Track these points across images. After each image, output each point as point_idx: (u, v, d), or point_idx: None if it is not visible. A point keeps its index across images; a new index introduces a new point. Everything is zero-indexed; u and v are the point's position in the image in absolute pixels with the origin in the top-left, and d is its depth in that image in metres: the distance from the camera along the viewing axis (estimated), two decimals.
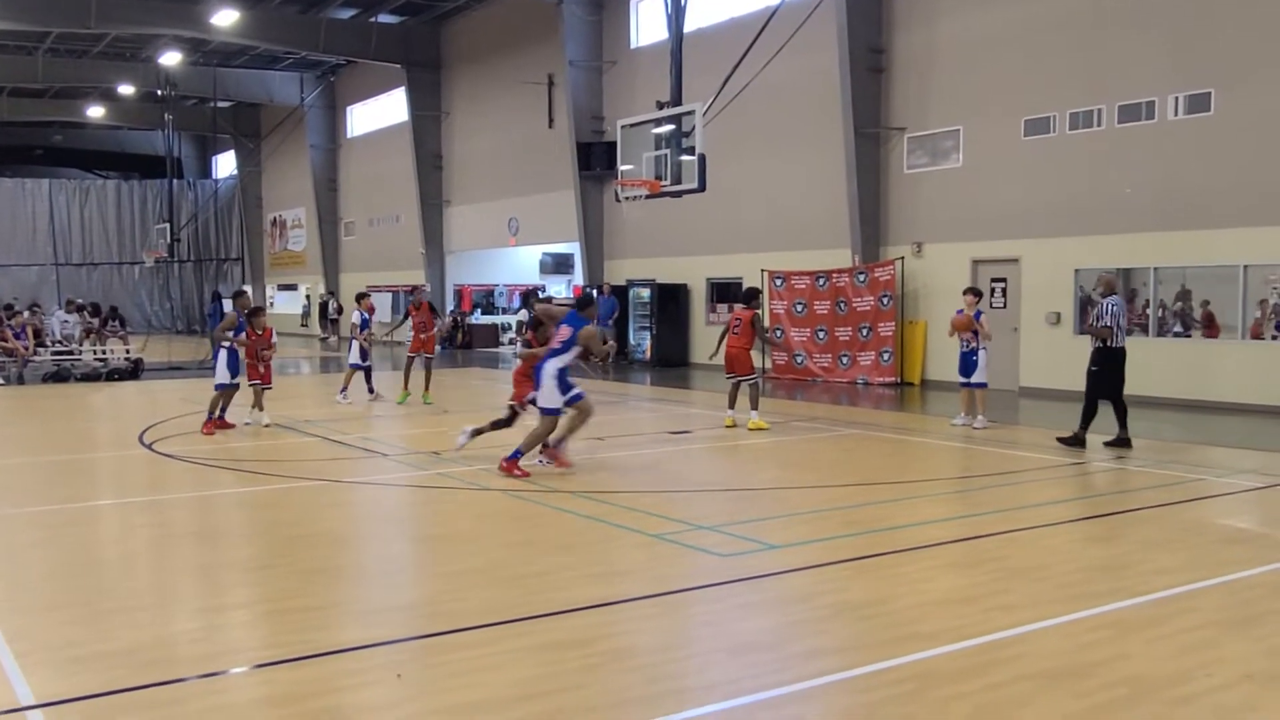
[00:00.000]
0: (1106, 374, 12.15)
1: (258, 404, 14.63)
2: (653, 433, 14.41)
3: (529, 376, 11.07)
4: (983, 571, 6.99)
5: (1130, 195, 17.04)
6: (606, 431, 14.37)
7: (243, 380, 14.33)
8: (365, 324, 17.35)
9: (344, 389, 17.29)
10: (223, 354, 14.21)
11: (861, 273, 20.95)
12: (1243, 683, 4.97)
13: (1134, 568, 7.19)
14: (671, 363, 25.62)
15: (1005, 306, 19.06)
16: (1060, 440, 12.32)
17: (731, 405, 14.43)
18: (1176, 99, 16.44)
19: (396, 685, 5.01)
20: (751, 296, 14.58)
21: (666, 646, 5.64)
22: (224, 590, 6.90)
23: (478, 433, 11.38)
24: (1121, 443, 12.05)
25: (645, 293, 26.30)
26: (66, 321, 25.71)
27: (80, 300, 30.77)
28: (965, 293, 14.26)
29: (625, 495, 9.80)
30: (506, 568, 7.21)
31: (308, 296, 45.93)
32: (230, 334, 14.20)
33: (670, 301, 25.87)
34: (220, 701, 4.83)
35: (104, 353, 24.45)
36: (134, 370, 23.41)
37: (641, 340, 26.61)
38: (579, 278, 30.48)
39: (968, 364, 13.91)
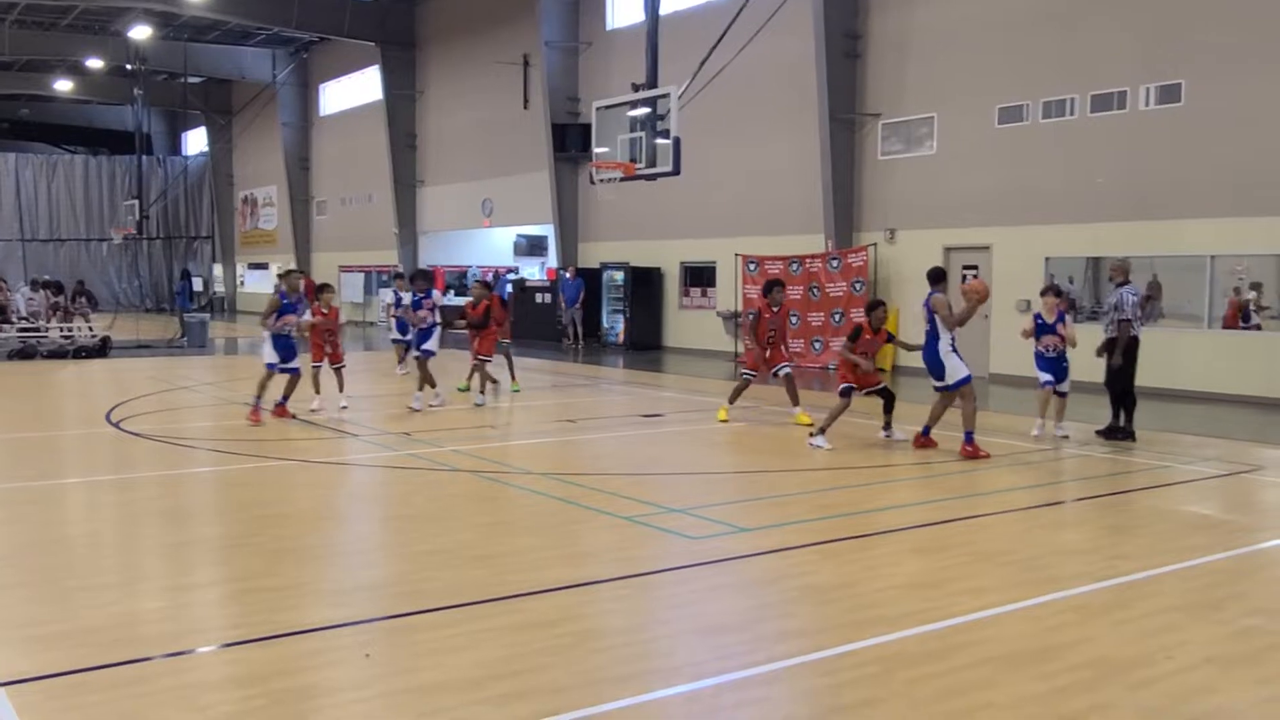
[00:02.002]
0: (1125, 363, 11.90)
1: (340, 386, 14.13)
2: (624, 416, 14.42)
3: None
4: (949, 556, 7.06)
5: (1101, 185, 17.16)
6: (578, 414, 14.37)
7: (304, 365, 13.57)
8: (416, 304, 15.18)
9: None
10: (270, 335, 13.27)
11: (834, 258, 21.00)
12: (1203, 665, 5.05)
13: (1099, 553, 7.27)
14: (645, 346, 25.62)
15: None
16: (1100, 433, 12.04)
17: (795, 402, 13.23)
18: (1148, 89, 16.55)
19: (364, 665, 5.00)
20: (768, 289, 13.38)
21: (635, 628, 5.66)
22: (191, 569, 6.86)
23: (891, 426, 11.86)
24: (1125, 434, 11.89)
25: (619, 276, 26.28)
26: (32, 299, 25.41)
27: (46, 278, 30.39)
28: (1044, 293, 12.72)
29: (596, 478, 9.81)
30: (475, 548, 7.20)
31: (279, 275, 45.52)
32: (274, 319, 13.05)
33: (644, 285, 25.86)
34: (186, 680, 4.81)
35: (70, 330, 24.17)
36: (101, 348, 23.16)
37: (615, 323, 26.61)
38: (553, 260, 30.41)
39: (1058, 370, 12.21)
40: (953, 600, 5.99)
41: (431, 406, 14.17)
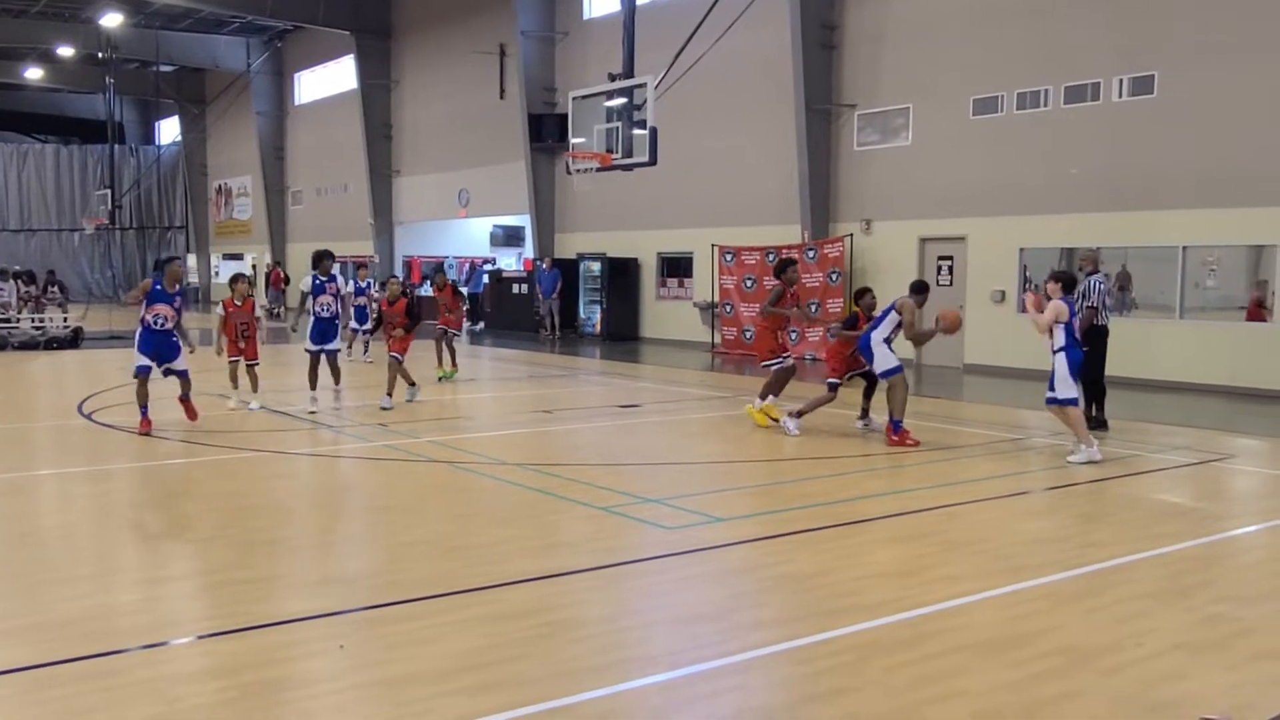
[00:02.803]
0: (1095, 353, 11.93)
1: (254, 385, 13.29)
2: (601, 406, 14.41)
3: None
4: (923, 544, 7.10)
5: (1075, 176, 17.27)
6: (554, 404, 14.35)
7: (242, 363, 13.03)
8: (318, 289, 13.58)
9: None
10: (140, 331, 11.73)
11: (811, 249, 21.05)
12: (1173, 652, 5.10)
13: (1070, 541, 7.33)
14: (622, 337, 25.61)
15: (951, 284, 19.27)
16: None
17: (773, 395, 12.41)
18: (1121, 81, 16.66)
19: (339, 656, 4.98)
20: (782, 269, 12.39)
21: (610, 618, 5.66)
22: (164, 562, 6.81)
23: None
24: (1097, 423, 11.92)
25: (596, 266, 26.25)
26: (2, 289, 25.13)
27: (17, 268, 30.05)
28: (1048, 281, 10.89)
29: (572, 468, 9.80)
30: (451, 539, 7.19)
31: (253, 266, 45.25)
32: (143, 302, 11.57)
33: (621, 275, 25.84)
34: (159, 673, 4.78)
35: (42, 321, 23.92)
36: (74, 339, 22.94)
37: (592, 314, 26.58)
38: (529, 250, 30.34)
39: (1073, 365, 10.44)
40: (926, 589, 6.03)
41: (313, 411, 12.92)
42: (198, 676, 4.75)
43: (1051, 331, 10.29)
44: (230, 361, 13.24)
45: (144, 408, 11.43)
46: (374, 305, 17.65)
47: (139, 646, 5.08)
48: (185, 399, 11.86)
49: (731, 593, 6.11)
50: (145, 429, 11.29)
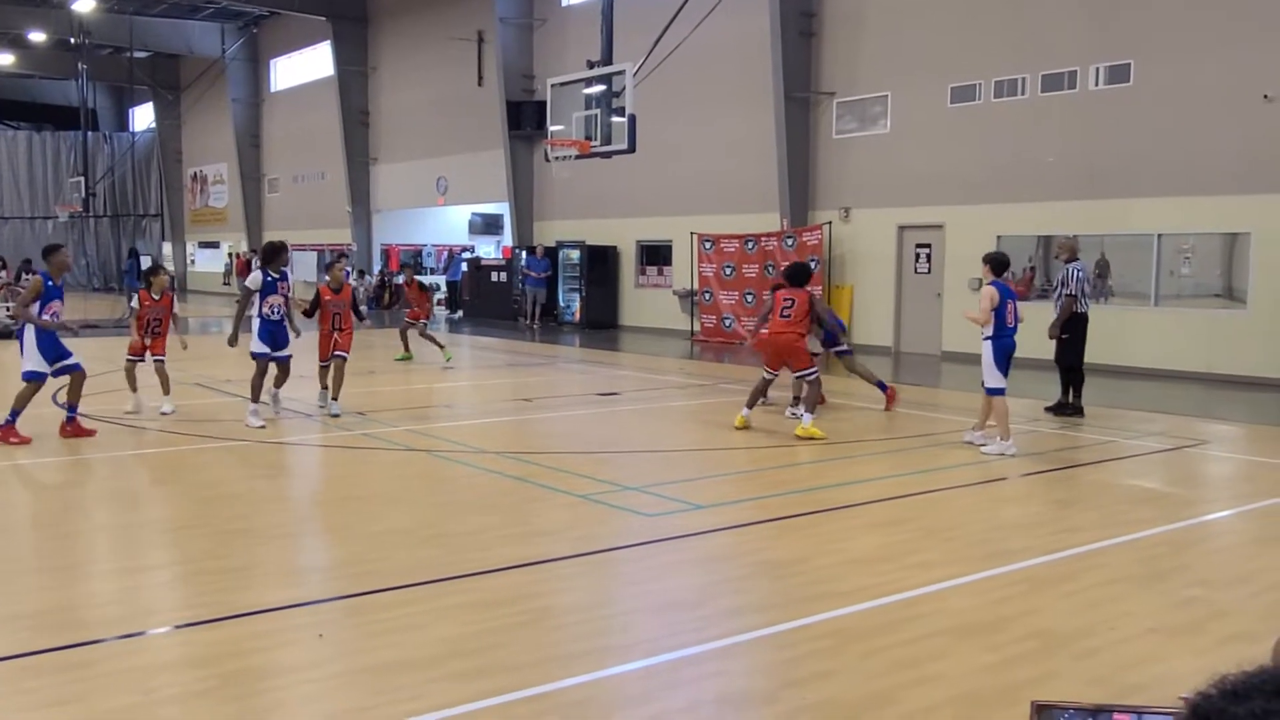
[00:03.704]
0: (1074, 340, 12.09)
1: (164, 386, 11.92)
2: (580, 394, 14.41)
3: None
4: (901, 531, 7.14)
5: (1052, 163, 17.35)
6: (534, 393, 14.34)
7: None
8: (270, 287, 12.19)
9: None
10: (29, 332, 10.29)
11: (790, 236, 21.08)
12: (1146, 635, 5.16)
13: (1046, 526, 7.40)
14: (601, 325, 25.59)
15: (930, 272, 19.34)
16: (1049, 410, 12.12)
17: (752, 404, 11.42)
18: (1097, 69, 16.74)
19: (318, 645, 4.97)
20: (804, 276, 11.70)
21: (591, 605, 5.67)
22: (139, 551, 6.77)
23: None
24: (1074, 410, 12.04)
25: (575, 254, 26.18)
26: None
27: None
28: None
29: (551, 456, 9.80)
30: (431, 528, 7.18)
31: (230, 254, 44.94)
32: (35, 307, 10.19)
33: (600, 263, 25.80)
34: (135, 663, 4.75)
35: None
36: None
37: (571, 302, 26.53)
38: (508, 239, 30.23)
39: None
40: (905, 574, 6.07)
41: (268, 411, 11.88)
42: (175, 666, 4.73)
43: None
44: (128, 361, 12.07)
45: (14, 415, 10.15)
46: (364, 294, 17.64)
47: (115, 637, 5.04)
48: (73, 416, 10.47)
49: (711, 579, 6.13)
50: (17, 439, 10.05)
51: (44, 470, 9.34)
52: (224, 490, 8.42)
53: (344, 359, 12.09)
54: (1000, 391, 10.00)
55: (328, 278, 12.61)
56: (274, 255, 11.51)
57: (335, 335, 12.11)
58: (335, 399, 12.01)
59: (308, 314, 12.38)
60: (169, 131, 47.70)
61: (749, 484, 8.85)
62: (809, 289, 11.61)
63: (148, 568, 6.39)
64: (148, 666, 4.70)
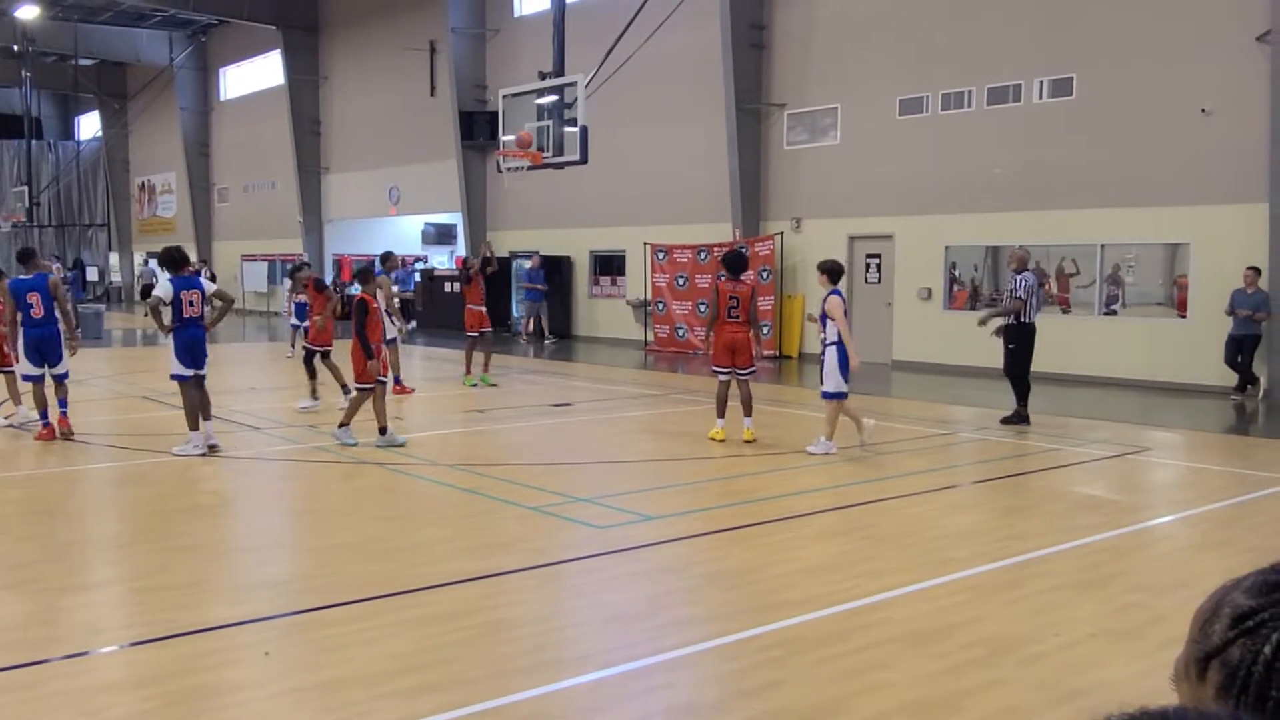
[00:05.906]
0: (1022, 350, 12.28)
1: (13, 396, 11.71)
2: (534, 405, 14.39)
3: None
4: (851, 539, 7.22)
5: (998, 175, 17.63)
6: (487, 404, 14.30)
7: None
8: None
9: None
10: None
11: (742, 247, 21.18)
12: (1088, 641, 5.26)
13: (993, 533, 7.51)
14: (555, 335, 25.54)
15: (880, 282, 19.56)
16: (1003, 421, 12.25)
17: (723, 412, 11.11)
18: (1041, 83, 17.04)
19: (266, 662, 4.93)
20: (742, 263, 11.71)
21: (542, 618, 5.67)
22: (84, 568, 6.67)
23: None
24: (1020, 419, 12.20)
25: (528, 264, 26.08)
26: None
27: None
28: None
29: (503, 468, 9.78)
30: (381, 541, 7.14)
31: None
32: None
33: (554, 274, 25.75)
34: (80, 684, 4.68)
35: None
36: None
37: (523, 312, 26.41)
38: (461, 248, 30.11)
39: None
40: (854, 583, 6.14)
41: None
42: (120, 685, 4.67)
43: (824, 325, 10.32)
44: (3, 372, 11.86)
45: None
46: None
47: (59, 657, 4.97)
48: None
49: (662, 590, 6.16)
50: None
51: None
52: (171, 505, 8.31)
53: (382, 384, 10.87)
54: (842, 396, 10.31)
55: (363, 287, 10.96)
56: (183, 262, 10.78)
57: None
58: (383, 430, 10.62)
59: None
60: (116, 140, 46.99)
61: (700, 494, 8.89)
62: (749, 281, 11.58)
63: (91, 585, 6.29)
64: (92, 686, 4.64)
